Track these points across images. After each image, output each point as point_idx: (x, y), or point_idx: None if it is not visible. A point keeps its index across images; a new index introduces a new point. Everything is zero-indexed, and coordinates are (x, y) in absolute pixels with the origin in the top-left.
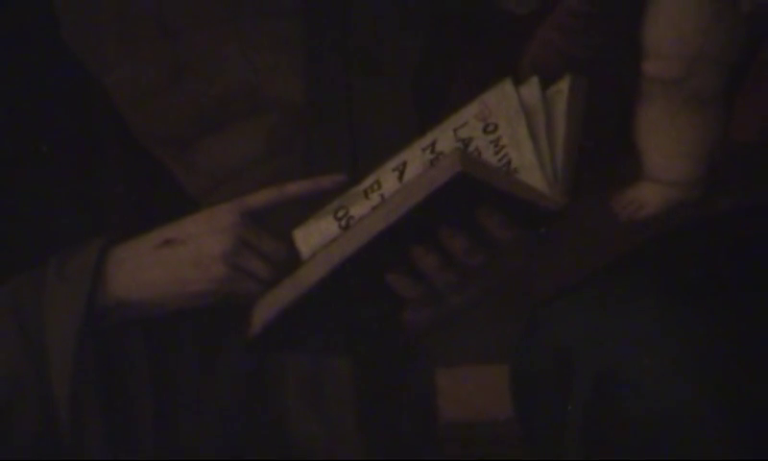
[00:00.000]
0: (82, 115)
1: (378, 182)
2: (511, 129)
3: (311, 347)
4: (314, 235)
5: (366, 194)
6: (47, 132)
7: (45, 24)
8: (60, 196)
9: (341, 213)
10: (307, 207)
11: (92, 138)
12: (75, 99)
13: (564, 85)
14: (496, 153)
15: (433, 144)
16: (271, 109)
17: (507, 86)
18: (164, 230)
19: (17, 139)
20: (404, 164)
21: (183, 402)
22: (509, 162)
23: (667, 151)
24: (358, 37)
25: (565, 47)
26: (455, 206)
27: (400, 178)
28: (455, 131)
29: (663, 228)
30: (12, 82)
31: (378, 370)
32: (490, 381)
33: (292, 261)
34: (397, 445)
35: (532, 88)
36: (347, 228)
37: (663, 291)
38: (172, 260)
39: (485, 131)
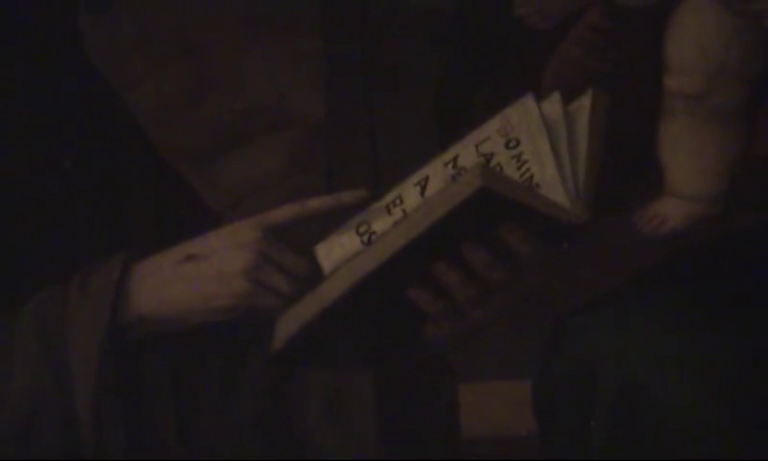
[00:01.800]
0: (105, 131)
1: (400, 198)
2: (533, 144)
3: (333, 362)
4: (336, 251)
5: (388, 209)
6: (71, 147)
7: (69, 41)
8: (84, 212)
9: (363, 228)
10: (329, 223)
11: (115, 154)
12: (99, 115)
13: (585, 101)
14: (518, 168)
15: (455, 159)
16: (293, 124)
17: (529, 102)
18: (187, 245)
19: (41, 155)
20: (426, 179)
21: (205, 417)
22: (531, 177)
23: (689, 166)
24: (379, 53)
25: (587, 62)
26: (477, 220)
27: (422, 193)
28: (477, 146)
29: (686, 243)
30: (37, 98)
31: (400, 386)
32: (512, 397)
33: (314, 277)
34: None
35: (554, 104)
36: (369, 243)
37: (686, 306)
38: (194, 276)
39: (507, 146)
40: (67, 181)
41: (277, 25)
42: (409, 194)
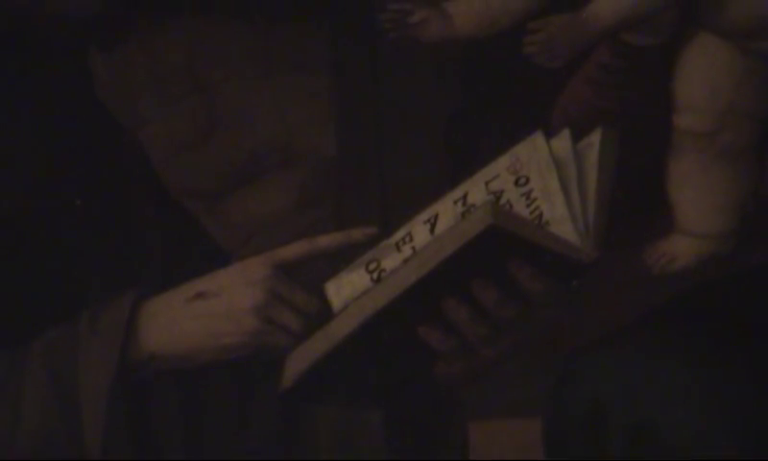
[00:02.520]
0: (115, 170)
1: (410, 235)
2: (542, 181)
3: (343, 399)
4: (346, 288)
5: (397, 246)
6: (81, 186)
7: (79, 80)
8: (94, 249)
9: (373, 266)
10: (339, 260)
11: (125, 192)
12: (109, 154)
13: (595, 138)
14: (528, 205)
15: (465, 197)
16: (302, 162)
17: (538, 139)
18: (197, 283)
19: (52, 193)
20: (436, 217)
21: (216, 455)
22: (540, 215)
23: (699, 204)
24: (389, 90)
25: (597, 101)
26: (487, 258)
27: (432, 230)
28: (487, 183)
29: (696, 281)
30: (47, 137)
31: (411, 423)
32: (522, 435)
33: (324, 314)
34: None
35: (563, 141)
36: (378, 280)
37: (697, 344)
38: (204, 313)
39: (516, 183)
40: (78, 219)
41: (288, 63)
42: (419, 231)
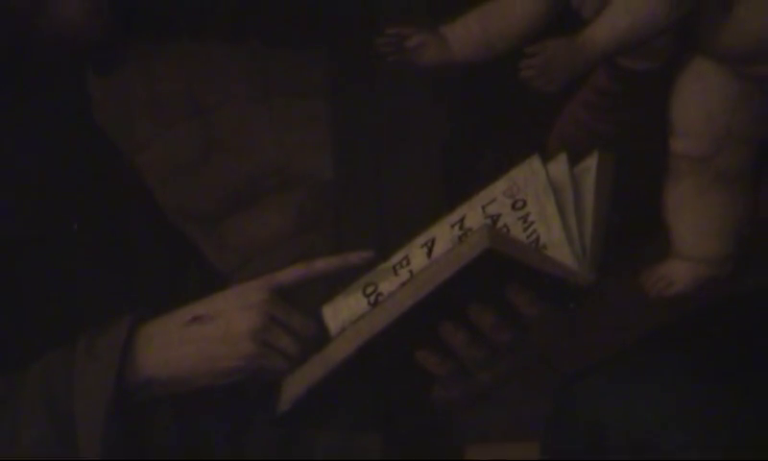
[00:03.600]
0: (112, 193)
1: (407, 259)
2: (539, 205)
3: (340, 423)
4: (343, 312)
5: (395, 270)
6: (78, 209)
7: (77, 104)
8: (91, 273)
9: (370, 289)
10: (336, 284)
11: (123, 216)
12: (106, 177)
13: (592, 162)
14: (525, 229)
15: (461, 220)
16: (300, 185)
17: (535, 163)
18: (193, 306)
19: (49, 217)
20: (433, 240)
21: None
22: (537, 239)
23: (696, 228)
24: (387, 114)
25: (593, 124)
26: (484, 282)
27: (429, 254)
28: (484, 207)
29: (693, 304)
30: (44, 160)
31: (408, 447)
32: (521, 458)
33: (321, 338)
34: None
35: (560, 165)
36: (375, 304)
37: (694, 366)
38: (201, 337)
39: (513, 207)
40: (75, 242)
41: (285, 87)
42: (416, 255)
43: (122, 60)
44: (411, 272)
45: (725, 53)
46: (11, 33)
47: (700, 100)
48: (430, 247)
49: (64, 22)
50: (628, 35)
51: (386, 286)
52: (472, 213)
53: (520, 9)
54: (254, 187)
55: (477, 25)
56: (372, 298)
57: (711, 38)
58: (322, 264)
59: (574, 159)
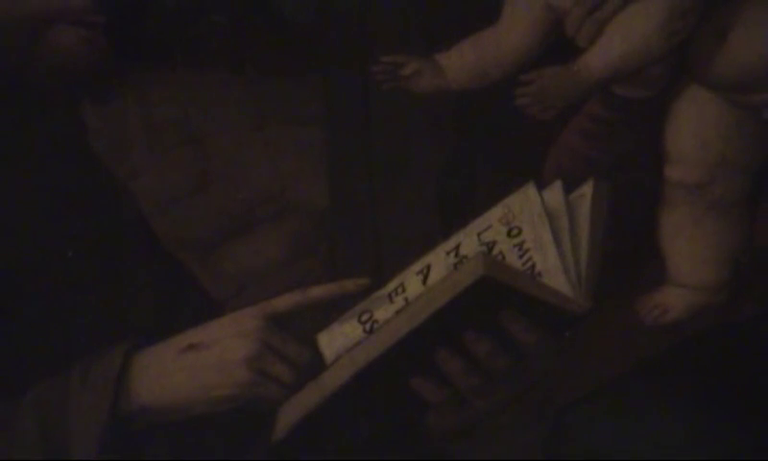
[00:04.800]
0: (107, 221)
1: (402, 286)
2: (534, 232)
3: (336, 450)
4: (338, 339)
5: (390, 298)
6: (73, 236)
7: (72, 131)
8: (86, 301)
9: (365, 317)
10: (332, 311)
11: (118, 243)
12: (101, 205)
13: (587, 189)
14: (520, 256)
15: (457, 248)
16: (295, 213)
17: (530, 190)
18: (188, 334)
19: (44, 245)
20: (428, 268)
21: None
22: (533, 266)
23: (691, 255)
24: (382, 141)
25: (588, 152)
26: (479, 309)
27: (424, 281)
28: (479, 234)
29: (689, 332)
30: (40, 188)
31: None
32: None
33: (316, 365)
34: None
35: (555, 192)
36: (371, 331)
37: (689, 395)
38: (196, 365)
39: (509, 234)
40: (70, 270)
41: (280, 115)
42: (411, 282)
43: (118, 88)
44: (406, 299)
45: (719, 81)
46: (8, 62)
47: (695, 128)
48: (425, 274)
49: (61, 51)
50: (623, 63)
51: (381, 314)
52: (468, 240)
53: (515, 37)
54: (250, 215)
55: (472, 53)
56: (368, 325)
57: (705, 67)
58: (317, 292)
59: (569, 187)
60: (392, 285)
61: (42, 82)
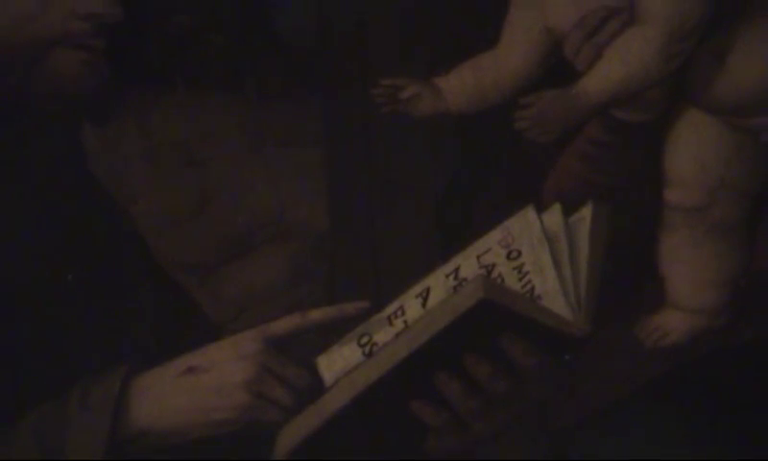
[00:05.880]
0: (108, 244)
1: (402, 309)
2: (534, 255)
3: None
4: (338, 362)
5: (389, 321)
6: (73, 259)
7: (72, 154)
8: (86, 324)
9: (364, 340)
10: (331, 334)
11: (118, 266)
12: (101, 228)
13: (586, 212)
14: (520, 279)
15: (456, 270)
16: (294, 235)
17: (530, 213)
18: (188, 357)
19: (44, 267)
20: (428, 291)
21: None
22: (532, 289)
23: (691, 279)
24: (382, 164)
25: (588, 175)
26: (479, 332)
27: (424, 304)
28: (478, 257)
29: (689, 355)
30: (38, 210)
31: None
32: None
33: (316, 388)
34: None
35: (554, 215)
36: (370, 354)
37: (690, 418)
38: (195, 388)
39: (508, 257)
40: (69, 294)
41: (280, 137)
42: (410, 305)
43: (118, 111)
44: (406, 322)
45: (718, 105)
46: (9, 84)
47: (694, 151)
48: (425, 297)
49: (62, 75)
50: (622, 86)
51: (381, 337)
52: (467, 263)
53: (514, 60)
54: (249, 237)
55: (471, 76)
56: (367, 348)
57: (704, 90)
58: (316, 314)
59: (568, 210)
60: (391, 308)
61: (42, 105)
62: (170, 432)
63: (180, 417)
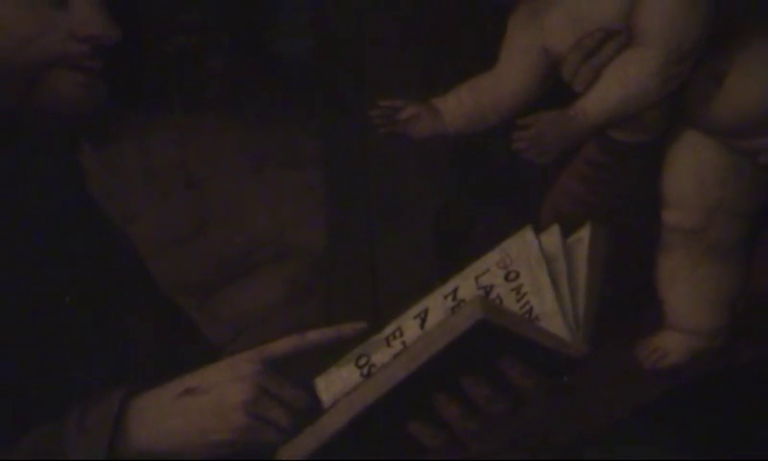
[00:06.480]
0: (105, 264)
1: (400, 330)
2: (532, 276)
3: None
4: (336, 383)
5: (387, 342)
6: (71, 281)
7: (71, 175)
8: (83, 346)
9: (362, 361)
10: (329, 355)
11: (116, 287)
12: (99, 249)
13: (584, 233)
14: (518, 300)
15: (455, 291)
16: (293, 256)
17: (528, 234)
18: (185, 378)
19: (42, 289)
20: (426, 312)
21: None
22: (530, 310)
23: (689, 300)
24: (380, 185)
25: (586, 196)
26: (477, 353)
27: (422, 325)
28: (477, 278)
29: (687, 376)
30: (37, 232)
31: None
32: None
33: (314, 410)
34: None
35: (553, 236)
36: (368, 375)
37: (688, 440)
38: (193, 409)
39: (506, 278)
40: (67, 315)
41: (279, 158)
42: (409, 326)
43: (116, 133)
44: (404, 343)
45: (716, 126)
46: (7, 106)
47: (692, 172)
48: (423, 318)
49: (60, 96)
50: (620, 107)
51: (379, 358)
52: (465, 284)
53: (513, 81)
54: (248, 259)
55: (470, 97)
56: (365, 369)
57: (702, 112)
58: (314, 335)
59: (567, 231)
60: (389, 329)
61: (41, 126)
62: (168, 453)
63: (178, 438)
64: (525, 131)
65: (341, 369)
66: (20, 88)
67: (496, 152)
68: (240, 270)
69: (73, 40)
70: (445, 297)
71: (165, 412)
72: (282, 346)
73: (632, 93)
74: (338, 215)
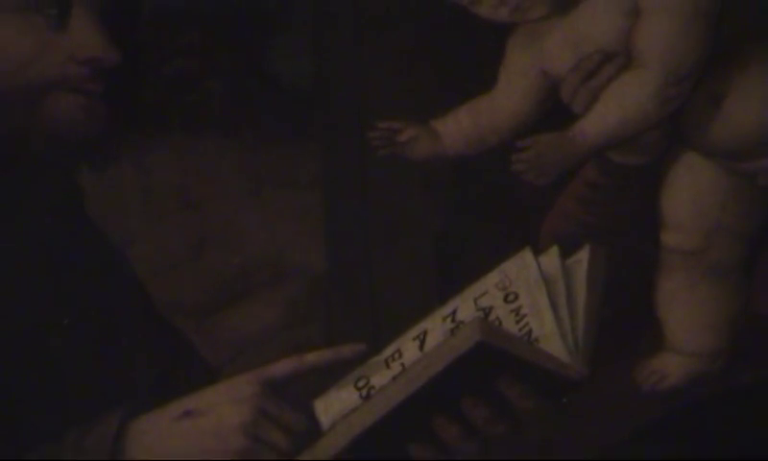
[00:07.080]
0: (104, 286)
1: (399, 352)
2: (531, 298)
3: None
4: (335, 405)
5: (387, 363)
6: (69, 302)
7: (70, 197)
8: (82, 368)
9: (362, 383)
10: (328, 377)
11: (114, 309)
12: (98, 271)
13: (583, 255)
14: (517, 322)
15: (453, 313)
16: (292, 278)
17: (527, 256)
18: (184, 400)
19: (40, 310)
20: (425, 333)
21: None
22: (530, 332)
23: (688, 322)
24: (379, 206)
25: (585, 217)
26: (476, 375)
27: (421, 347)
28: (476, 300)
29: (686, 399)
30: (35, 254)
31: None
32: None
33: (313, 432)
34: None
35: (552, 258)
36: (367, 397)
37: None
38: (192, 432)
39: (505, 300)
40: (66, 338)
41: (277, 180)
42: (408, 348)
43: (115, 154)
44: (403, 365)
45: (714, 148)
46: (6, 128)
47: (691, 194)
48: (422, 340)
49: (59, 119)
50: (618, 129)
51: (378, 380)
52: (464, 306)
53: (511, 103)
54: (246, 280)
55: (468, 119)
56: (364, 391)
57: (701, 134)
58: (313, 357)
59: (566, 252)
60: (388, 351)
61: (39, 148)
62: None
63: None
64: (524, 152)
65: (340, 391)
66: (20, 111)
67: (495, 174)
68: (238, 291)
69: (73, 63)
70: (444, 318)
71: (164, 434)
72: (281, 368)
73: (630, 115)
74: (337, 237)
